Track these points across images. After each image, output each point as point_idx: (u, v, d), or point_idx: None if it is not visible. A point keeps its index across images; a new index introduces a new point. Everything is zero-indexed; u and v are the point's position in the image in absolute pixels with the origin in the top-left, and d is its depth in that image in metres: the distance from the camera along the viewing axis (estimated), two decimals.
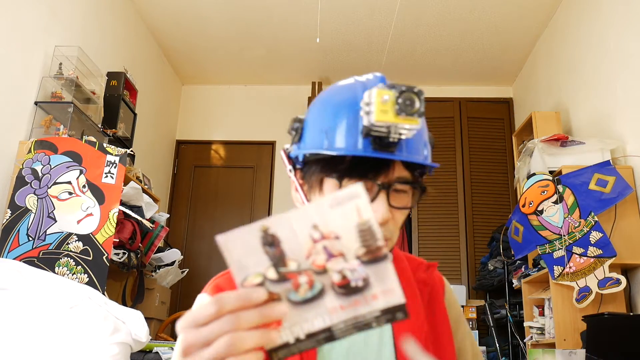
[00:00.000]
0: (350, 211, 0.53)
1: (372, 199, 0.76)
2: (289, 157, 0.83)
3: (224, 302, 0.52)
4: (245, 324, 0.52)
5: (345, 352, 0.80)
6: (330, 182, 0.78)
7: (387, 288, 0.55)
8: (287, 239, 0.54)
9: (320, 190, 0.79)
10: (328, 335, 0.56)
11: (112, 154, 2.48)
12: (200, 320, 0.53)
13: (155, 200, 3.12)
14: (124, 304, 2.81)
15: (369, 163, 0.76)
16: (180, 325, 0.54)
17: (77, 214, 2.37)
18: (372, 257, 0.55)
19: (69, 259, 2.31)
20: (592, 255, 2.52)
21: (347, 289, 0.55)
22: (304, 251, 0.54)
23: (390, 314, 0.56)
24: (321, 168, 0.78)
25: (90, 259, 2.32)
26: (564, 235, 2.62)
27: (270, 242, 0.53)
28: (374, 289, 0.55)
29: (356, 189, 0.53)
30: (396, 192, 0.79)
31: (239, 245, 0.53)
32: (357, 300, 0.56)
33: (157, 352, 2.26)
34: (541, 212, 2.72)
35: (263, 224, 0.53)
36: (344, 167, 0.76)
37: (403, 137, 0.71)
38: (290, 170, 0.82)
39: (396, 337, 0.82)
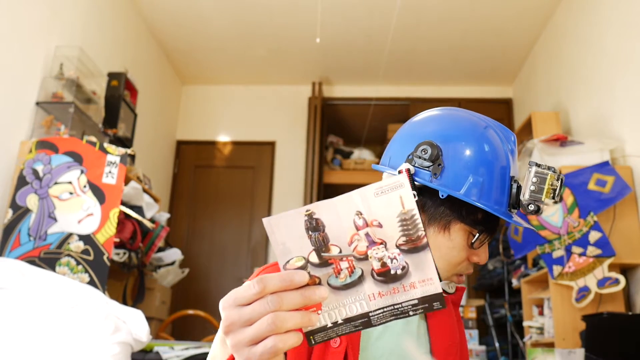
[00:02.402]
0: (393, 200, 0.54)
1: (480, 246, 0.85)
2: (411, 180, 0.82)
3: (267, 282, 0.53)
4: (287, 305, 0.53)
5: (388, 355, 0.83)
6: (461, 228, 0.83)
7: (426, 277, 0.56)
8: (331, 224, 0.55)
9: (445, 230, 0.83)
10: (365, 320, 0.57)
11: (112, 154, 2.49)
12: (243, 300, 0.54)
13: (155, 200, 3.13)
14: (125, 303, 2.82)
15: (497, 220, 0.85)
16: (222, 304, 0.56)
17: (78, 214, 2.38)
18: (412, 246, 0.55)
19: (69, 258, 2.31)
20: (591, 254, 2.53)
21: (386, 276, 0.56)
22: (346, 237, 0.55)
23: (427, 303, 0.57)
24: (455, 212, 0.83)
25: (91, 258, 2.32)
26: (563, 235, 2.63)
27: (315, 226, 0.54)
28: (412, 278, 0.56)
29: (400, 179, 0.54)
30: None
31: (284, 229, 0.54)
32: (395, 288, 0.57)
33: (157, 352, 2.27)
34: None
35: (308, 209, 0.54)
36: (481, 220, 0.83)
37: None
38: (414, 196, 0.81)
39: (434, 350, 0.86)
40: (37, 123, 2.69)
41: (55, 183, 2.42)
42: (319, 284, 0.56)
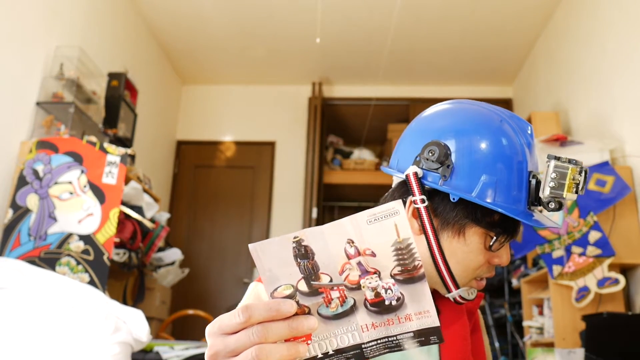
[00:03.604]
0: (388, 228, 0.51)
1: (500, 247, 0.80)
2: (419, 184, 0.77)
3: (252, 311, 0.51)
4: (272, 337, 0.50)
5: None
6: (477, 231, 0.78)
7: (422, 310, 0.53)
8: (321, 252, 0.52)
9: (460, 234, 0.78)
10: (357, 352, 0.55)
11: (112, 154, 2.49)
12: (228, 329, 0.52)
13: (155, 200, 3.13)
14: (125, 303, 2.82)
15: (517, 221, 0.80)
16: (208, 331, 0.54)
17: (78, 214, 2.38)
18: (408, 276, 0.53)
19: (70, 258, 2.32)
20: (591, 254, 2.53)
21: (380, 307, 0.54)
22: (337, 266, 0.53)
23: (423, 337, 0.54)
24: (469, 215, 0.77)
25: (91, 258, 2.33)
26: (563, 235, 2.63)
27: (304, 254, 0.52)
28: (408, 310, 0.54)
29: (395, 206, 0.51)
30: None
31: (271, 255, 0.52)
32: (389, 320, 0.54)
33: (157, 352, 2.27)
34: (540, 211, 2.73)
35: (296, 235, 0.51)
36: (498, 221, 0.78)
37: None
38: (422, 201, 0.76)
39: None
40: (37, 123, 2.69)
41: (56, 183, 2.42)
42: (309, 313, 0.53)
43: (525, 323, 3.12)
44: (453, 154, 0.77)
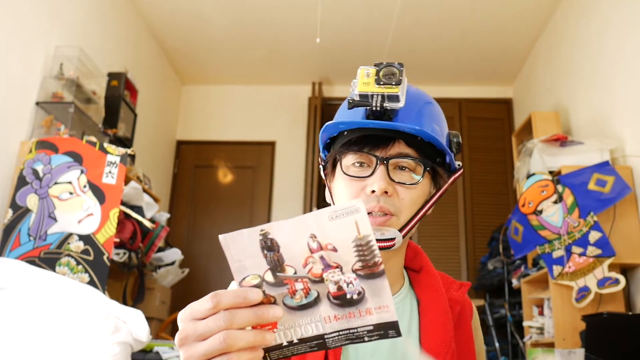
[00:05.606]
0: (348, 225, 0.54)
1: (372, 173, 0.80)
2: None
3: (220, 298, 0.53)
4: (239, 322, 0.53)
5: (369, 357, 0.81)
6: (337, 166, 0.84)
7: (382, 304, 0.56)
8: (286, 245, 0.55)
9: (332, 174, 0.86)
10: (320, 342, 0.58)
11: (112, 154, 2.49)
12: (198, 314, 0.54)
13: (155, 200, 3.13)
14: (125, 303, 2.81)
15: (368, 139, 0.80)
16: (179, 317, 0.56)
17: (78, 214, 2.38)
18: (368, 272, 0.55)
19: (69, 258, 2.31)
20: (591, 254, 2.53)
21: (342, 300, 0.56)
22: (301, 259, 0.55)
23: (382, 330, 0.57)
24: (331, 151, 0.85)
25: (91, 258, 2.32)
26: (563, 235, 2.63)
27: (270, 246, 0.54)
28: (368, 304, 0.56)
29: (355, 204, 0.53)
30: (400, 169, 0.82)
31: (240, 246, 0.55)
32: (351, 312, 0.57)
33: (157, 352, 2.27)
34: (540, 212, 2.73)
35: (263, 228, 0.54)
36: (343, 142, 0.82)
37: (387, 107, 0.76)
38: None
39: (422, 348, 0.82)
40: (37, 123, 2.69)
41: (55, 183, 2.41)
42: (274, 303, 0.56)
43: (525, 323, 3.12)
44: None
